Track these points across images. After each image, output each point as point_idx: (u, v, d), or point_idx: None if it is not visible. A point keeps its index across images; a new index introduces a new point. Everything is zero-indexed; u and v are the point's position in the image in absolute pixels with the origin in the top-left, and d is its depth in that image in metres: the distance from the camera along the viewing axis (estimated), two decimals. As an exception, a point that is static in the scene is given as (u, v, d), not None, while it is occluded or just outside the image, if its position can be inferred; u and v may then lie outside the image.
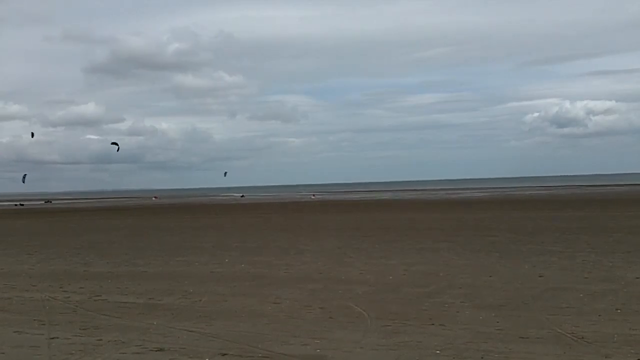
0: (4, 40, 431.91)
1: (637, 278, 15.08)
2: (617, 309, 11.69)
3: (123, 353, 9.52)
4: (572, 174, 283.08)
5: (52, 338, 10.55)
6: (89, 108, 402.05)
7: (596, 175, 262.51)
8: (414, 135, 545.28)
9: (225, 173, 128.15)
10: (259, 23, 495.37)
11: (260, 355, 9.25)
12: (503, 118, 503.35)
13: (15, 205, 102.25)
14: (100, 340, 10.31)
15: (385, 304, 12.82)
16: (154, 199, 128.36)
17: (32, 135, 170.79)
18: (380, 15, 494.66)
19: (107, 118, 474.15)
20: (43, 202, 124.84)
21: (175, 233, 33.85)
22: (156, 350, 9.59)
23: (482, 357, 8.81)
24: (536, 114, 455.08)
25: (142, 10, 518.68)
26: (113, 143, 77.57)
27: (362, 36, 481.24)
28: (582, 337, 9.73)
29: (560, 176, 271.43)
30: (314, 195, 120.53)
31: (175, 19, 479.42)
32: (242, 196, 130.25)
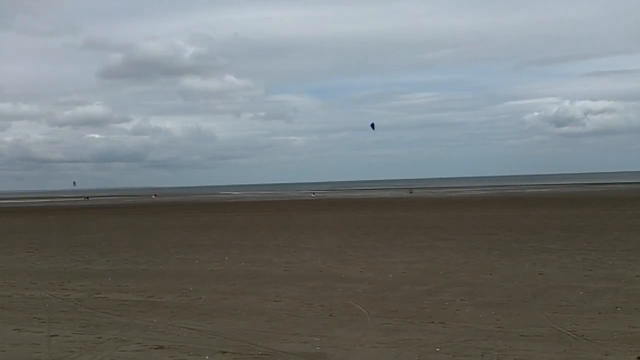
0: (27, 46, 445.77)
1: (637, 276, 15.07)
2: (617, 307, 11.68)
3: (123, 351, 9.51)
4: (571, 173, 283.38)
5: (52, 336, 10.55)
6: (97, 108, 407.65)
7: (595, 173, 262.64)
8: (414, 134, 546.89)
9: (74, 183, 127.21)
10: (262, 24, 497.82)
11: (260, 352, 9.24)
12: (503, 117, 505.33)
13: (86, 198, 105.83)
14: (100, 338, 10.31)
15: (385, 302, 12.82)
16: (153, 197, 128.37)
17: None
18: (382, 17, 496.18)
19: (114, 118, 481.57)
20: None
21: (175, 231, 33.84)
22: (156, 348, 9.58)
23: (482, 355, 8.80)
24: (536, 113, 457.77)
25: (148, 12, 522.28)
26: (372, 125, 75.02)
27: (364, 37, 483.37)
28: (582, 335, 9.72)
29: (560, 174, 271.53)
30: (314, 193, 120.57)
31: (182, 22, 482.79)
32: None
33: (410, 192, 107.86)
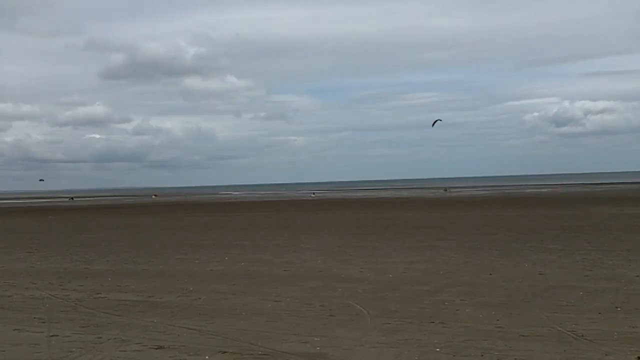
0: (28, 47, 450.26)
1: (637, 276, 15.07)
2: (617, 307, 11.69)
3: (123, 351, 9.51)
4: (571, 173, 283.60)
5: (52, 336, 10.55)
6: (97, 109, 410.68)
7: (595, 173, 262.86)
8: (414, 134, 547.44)
9: (41, 180, 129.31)
10: (262, 24, 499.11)
11: (260, 352, 9.24)
12: (503, 117, 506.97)
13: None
14: (100, 338, 10.31)
15: (385, 302, 12.82)
16: (153, 197, 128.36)
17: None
18: (382, 17, 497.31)
19: (115, 118, 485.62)
20: None
21: (175, 231, 33.83)
22: (156, 348, 9.59)
23: (482, 355, 8.80)
24: (536, 113, 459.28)
25: (149, 13, 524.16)
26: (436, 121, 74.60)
27: (364, 37, 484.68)
28: (582, 335, 9.73)
29: (560, 174, 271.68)
30: (314, 193, 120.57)
31: (182, 22, 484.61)
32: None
33: (445, 191, 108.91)
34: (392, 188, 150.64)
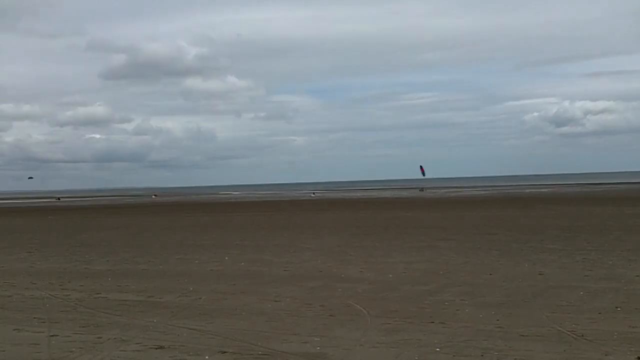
0: (30, 47, 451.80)
1: (637, 276, 15.07)
2: (617, 307, 11.69)
3: (123, 351, 9.52)
4: (571, 173, 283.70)
5: (52, 336, 10.55)
6: (98, 109, 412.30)
7: (595, 173, 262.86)
8: (414, 134, 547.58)
9: (30, 177, 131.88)
10: (262, 24, 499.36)
11: (260, 352, 9.24)
12: (503, 117, 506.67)
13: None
14: (100, 338, 10.31)
15: (385, 302, 12.82)
16: (153, 197, 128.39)
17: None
18: (382, 17, 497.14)
19: (115, 118, 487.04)
20: None
21: (175, 231, 33.83)
22: (156, 348, 9.59)
23: (482, 355, 8.80)
24: (535, 114, 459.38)
25: (149, 13, 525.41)
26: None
27: (364, 37, 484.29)
28: (582, 335, 9.73)
29: (560, 174, 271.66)
30: (314, 193, 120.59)
31: (183, 22, 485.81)
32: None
33: (421, 190, 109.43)
34: (392, 188, 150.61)
